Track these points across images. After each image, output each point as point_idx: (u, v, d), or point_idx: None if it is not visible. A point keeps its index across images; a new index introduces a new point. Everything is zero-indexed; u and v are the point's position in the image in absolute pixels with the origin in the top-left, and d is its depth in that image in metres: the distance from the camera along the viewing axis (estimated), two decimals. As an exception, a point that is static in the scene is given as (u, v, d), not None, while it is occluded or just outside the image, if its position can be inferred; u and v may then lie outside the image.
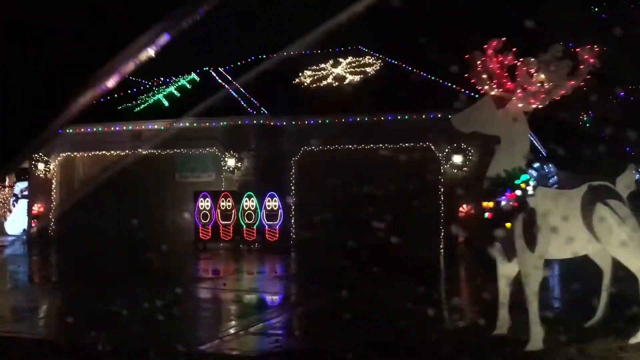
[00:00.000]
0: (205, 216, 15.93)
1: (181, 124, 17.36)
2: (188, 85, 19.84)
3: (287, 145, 16.79)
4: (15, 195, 20.88)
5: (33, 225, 19.18)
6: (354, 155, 16.22)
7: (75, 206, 18.95)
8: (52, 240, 18.96)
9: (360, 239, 15.43)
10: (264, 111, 16.70)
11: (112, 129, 18.24)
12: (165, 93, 19.45)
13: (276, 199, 15.37)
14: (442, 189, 15.34)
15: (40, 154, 19.23)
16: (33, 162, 19.43)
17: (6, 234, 20.93)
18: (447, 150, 15.20)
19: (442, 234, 15.21)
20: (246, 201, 15.57)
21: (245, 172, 16.81)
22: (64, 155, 19.36)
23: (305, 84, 18.85)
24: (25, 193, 20.86)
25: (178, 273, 12.38)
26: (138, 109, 18.63)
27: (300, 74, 19.62)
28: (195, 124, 17.12)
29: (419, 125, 15.37)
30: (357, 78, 18.27)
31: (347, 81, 18.23)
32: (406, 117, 15.23)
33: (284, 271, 13.10)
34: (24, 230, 20.23)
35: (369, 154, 16.14)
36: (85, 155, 19.14)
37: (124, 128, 18.08)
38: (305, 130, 16.62)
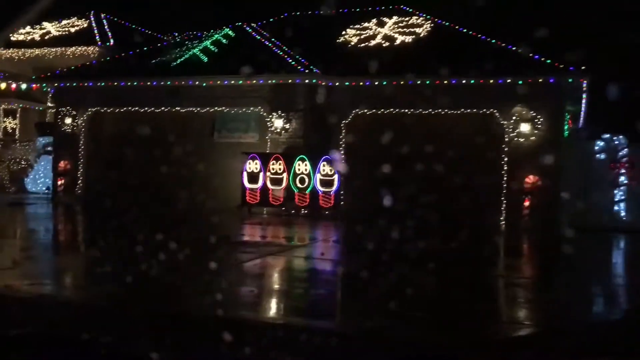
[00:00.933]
0: (253, 179, 15.13)
1: (226, 82, 16.41)
2: (224, 40, 18.76)
3: (337, 107, 15.95)
4: (36, 151, 19.81)
5: (59, 182, 18.21)
6: (410, 120, 15.46)
7: (104, 164, 18.06)
8: (79, 199, 18.07)
9: (414, 208, 14.92)
10: (315, 70, 15.77)
11: (148, 83, 17.18)
12: (200, 48, 18.36)
13: (332, 163, 14.58)
14: (505, 158, 14.67)
15: (68, 107, 18.21)
16: (59, 116, 18.40)
17: (26, 192, 19.96)
18: (514, 118, 14.49)
19: (505, 205, 14.62)
20: (299, 164, 14.77)
21: (293, 133, 15.98)
22: (93, 110, 18.32)
23: (352, 43, 17.92)
24: (49, 149, 19.82)
25: (255, 241, 11.64)
26: (174, 63, 17.55)
27: (343, 33, 18.68)
28: (240, 81, 16.16)
29: (483, 91, 14.61)
30: (408, 39, 17.38)
31: (398, 42, 17.34)
32: (472, 81, 14.42)
33: (358, 241, 12.30)
34: (48, 187, 19.28)
35: (427, 120, 15.40)
36: (117, 111, 18.12)
37: (161, 83, 17.04)
38: (358, 91, 15.78)
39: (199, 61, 17.54)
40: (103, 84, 17.66)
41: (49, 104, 23.80)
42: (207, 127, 17.37)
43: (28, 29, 23.09)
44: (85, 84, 17.86)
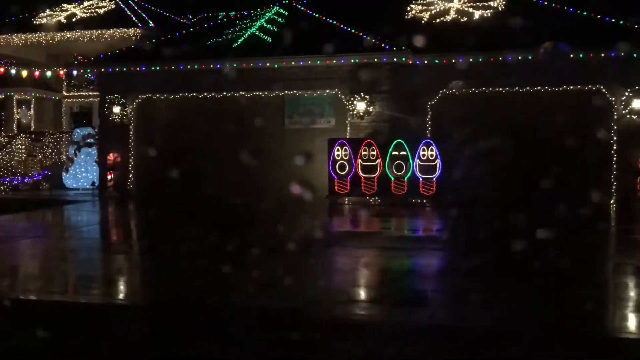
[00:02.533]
0: (342, 167, 13.97)
1: (301, 63, 15.13)
2: (279, 19, 17.41)
3: (423, 88, 14.87)
4: (75, 143, 18.18)
5: (109, 177, 16.69)
6: (505, 98, 14.50)
7: (158, 156, 16.59)
8: (131, 195, 16.62)
9: (513, 193, 14.00)
10: (401, 47, 14.59)
11: (212, 66, 15.75)
12: (256, 27, 16.99)
13: (433, 147, 13.53)
14: (614, 137, 13.85)
15: (116, 94, 16.66)
16: (106, 105, 16.83)
17: (65, 188, 18.34)
18: (626, 94, 13.64)
19: (615, 187, 13.82)
20: (395, 150, 13.67)
21: (377, 117, 14.83)
22: (144, 97, 16.82)
23: (424, 19, 16.78)
24: (89, 141, 18.23)
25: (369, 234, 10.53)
26: (236, 44, 16.15)
27: (407, 9, 17.53)
28: (319, 62, 14.92)
29: (589, 66, 13.70)
30: (486, 13, 16.34)
31: (476, 16, 16.28)
32: (580, 55, 13.48)
33: (475, 231, 11.33)
34: (93, 183, 17.73)
35: (524, 97, 14.45)
36: (172, 97, 16.64)
37: (227, 66, 15.61)
38: (446, 70, 14.70)
39: (261, 41, 16.18)
40: (158, 67, 16.14)
41: (90, 93, 22.01)
42: (274, 112, 16.07)
43: (48, 11, 21.24)
44: (138, 69, 16.31)
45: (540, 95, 14.28)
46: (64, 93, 24.24)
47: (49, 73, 20.14)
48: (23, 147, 19.30)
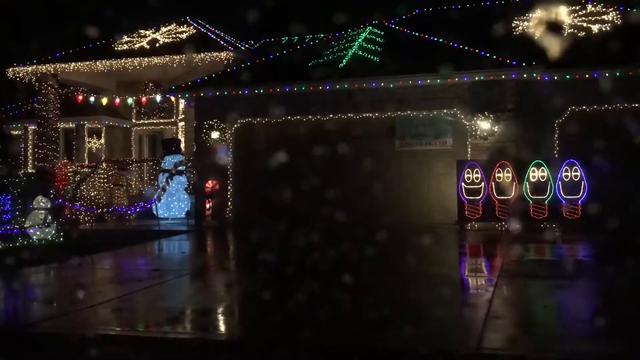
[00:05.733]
0: (473, 190, 13.07)
1: (420, 82, 14.36)
2: (378, 39, 16.74)
3: (549, 105, 14.01)
4: (166, 171, 17.48)
5: (207, 206, 15.92)
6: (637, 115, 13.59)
7: (258, 182, 15.83)
8: (230, 223, 15.81)
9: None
10: (529, 63, 13.78)
11: (320, 87, 15.05)
12: (356, 47, 16.32)
13: (577, 167, 12.60)
14: None
15: (215, 119, 15.99)
16: (204, 130, 16.16)
17: (155, 218, 17.56)
18: None
19: None
20: (533, 170, 12.77)
21: (502, 137, 13.96)
22: (243, 121, 16.12)
23: (537, 35, 16.01)
24: (180, 168, 17.53)
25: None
26: (342, 64, 15.46)
27: (513, 25, 16.80)
28: (439, 80, 14.15)
29: None
30: (605, 27, 15.54)
31: (595, 30, 15.49)
32: None
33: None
34: (188, 212, 16.99)
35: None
36: (273, 121, 15.91)
37: (337, 87, 14.91)
38: (574, 85, 13.87)
39: (367, 61, 15.48)
40: (262, 90, 15.48)
41: (160, 120, 21.56)
42: (384, 134, 15.28)
43: (125, 37, 20.82)
44: (239, 92, 15.64)
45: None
46: (133, 121, 23.76)
47: (158, 98, 19.65)
48: (106, 176, 18.65)
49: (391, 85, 14.59)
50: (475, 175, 13.09)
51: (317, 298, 6.66)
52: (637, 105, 13.61)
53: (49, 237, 11.98)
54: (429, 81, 14.24)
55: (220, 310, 6.62)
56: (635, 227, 12.09)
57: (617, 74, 13.35)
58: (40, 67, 20.28)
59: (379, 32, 17.33)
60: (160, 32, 20.75)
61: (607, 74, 13.41)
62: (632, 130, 13.27)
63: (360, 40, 16.77)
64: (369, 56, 15.71)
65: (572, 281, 7.56)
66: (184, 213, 17.21)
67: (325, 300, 6.52)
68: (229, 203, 16.16)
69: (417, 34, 16.34)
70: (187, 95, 16.49)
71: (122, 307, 6.51)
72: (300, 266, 8.75)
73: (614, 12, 16.20)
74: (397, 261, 9.54)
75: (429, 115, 14.80)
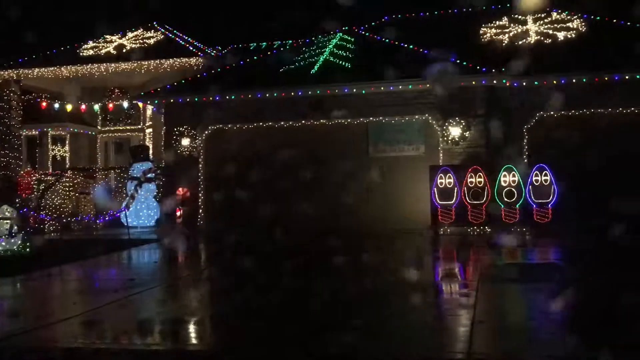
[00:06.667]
0: (446, 195, 13.20)
1: (391, 88, 14.46)
2: (349, 45, 16.80)
3: (518, 111, 14.27)
4: (134, 179, 17.13)
5: (178, 213, 15.67)
6: (605, 120, 13.93)
7: (229, 189, 15.64)
8: (201, 231, 15.59)
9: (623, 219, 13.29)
10: (492, 70, 14.01)
11: (292, 93, 14.99)
12: (327, 53, 16.34)
13: (547, 172, 12.84)
14: None
15: (185, 126, 15.78)
16: (174, 137, 15.93)
17: (124, 227, 17.18)
18: None
19: None
20: (504, 175, 12.96)
21: (473, 142, 14.15)
22: (214, 128, 15.97)
23: (504, 41, 16.31)
24: (150, 176, 17.22)
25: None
26: (313, 70, 15.44)
27: (480, 32, 17.08)
28: (410, 86, 14.26)
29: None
30: (570, 34, 15.91)
31: (561, 38, 15.85)
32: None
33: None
34: (159, 220, 16.69)
35: (625, 119, 13.90)
36: (244, 127, 15.79)
37: (309, 93, 14.88)
38: (542, 92, 14.14)
39: (339, 67, 15.51)
40: (234, 96, 15.36)
41: (127, 127, 21.15)
42: (357, 140, 15.32)
43: (91, 43, 20.42)
44: (210, 98, 15.47)
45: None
46: (99, 127, 23.29)
47: (125, 104, 19.27)
48: (72, 184, 18.20)
49: (363, 92, 14.66)
50: (448, 180, 13.21)
51: (294, 306, 6.60)
52: (602, 110, 13.96)
53: (15, 247, 11.57)
54: (400, 87, 14.35)
55: (193, 320, 6.48)
56: (604, 229, 12.39)
57: (584, 79, 13.68)
58: (1, 72, 19.72)
59: (349, 38, 17.41)
60: (127, 37, 20.42)
61: (574, 80, 13.73)
62: (599, 135, 13.63)
63: (331, 46, 16.81)
64: (341, 62, 15.75)
65: (544, 284, 7.65)
66: (153, 221, 16.88)
67: (303, 309, 6.45)
68: (201, 210, 15.97)
69: (387, 40, 16.47)
70: (156, 102, 16.26)
71: (96, 320, 6.30)
72: (273, 274, 8.67)
73: (578, 20, 16.64)
74: (370, 267, 9.53)
75: (401, 121, 14.90)
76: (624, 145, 13.54)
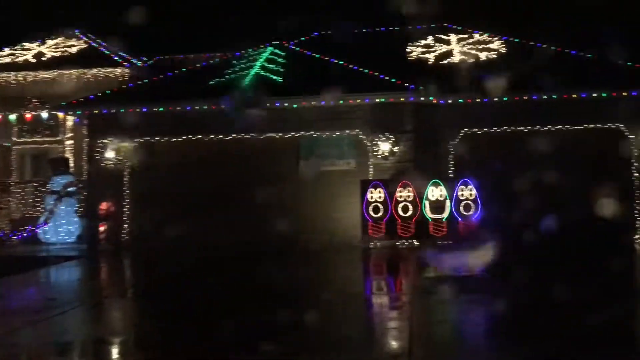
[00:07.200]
0: (376, 209, 13.37)
1: (322, 102, 14.53)
2: (280, 59, 16.83)
3: (444, 127, 14.71)
4: (54, 192, 16.32)
5: (101, 229, 15.04)
6: (526, 137, 14.57)
7: (156, 204, 15.20)
8: (126, 247, 15.03)
9: (540, 231, 13.97)
10: (420, 87, 14.37)
11: (222, 106, 14.72)
12: (258, 67, 16.28)
13: (471, 186, 13.27)
14: (636, 175, 14.23)
15: (110, 139, 15.22)
16: (97, 149, 15.32)
17: (42, 243, 16.33)
18: (646, 132, 14.13)
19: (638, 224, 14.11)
20: (432, 190, 13.29)
21: (402, 157, 14.43)
22: (141, 140, 15.47)
23: (430, 60, 16.83)
24: (70, 190, 16.45)
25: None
26: (244, 84, 15.30)
27: (408, 50, 17.56)
28: (341, 101, 14.40)
29: (607, 105, 14.12)
30: (491, 55, 16.63)
31: (483, 58, 16.52)
32: (603, 94, 13.88)
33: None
34: (80, 236, 15.94)
35: (545, 136, 14.60)
36: (172, 140, 15.40)
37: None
38: (467, 109, 14.66)
39: (270, 81, 15.46)
40: (162, 108, 14.97)
41: (45, 138, 20.06)
42: (288, 155, 15.25)
43: (7, 50, 19.40)
44: (137, 110, 15.00)
45: (561, 134, 14.47)
46: (14, 139, 22.06)
47: (44, 114, 18.30)
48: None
49: (294, 106, 14.67)
50: (378, 195, 13.40)
51: (222, 323, 6.46)
52: (522, 128, 14.60)
53: None
54: (332, 102, 14.45)
55: (117, 340, 6.21)
56: (533, 239, 12.92)
57: (505, 98, 14.28)
58: None
59: (280, 52, 17.42)
60: (46, 45, 19.54)
61: (495, 99, 14.31)
62: (518, 150, 14.26)
63: (262, 60, 16.76)
64: (272, 76, 15.71)
65: (471, 295, 7.86)
66: (74, 237, 16.12)
67: (234, 326, 6.31)
68: (126, 226, 15.39)
69: (317, 55, 16.62)
70: (79, 112, 15.60)
71: (10, 343, 5.91)
72: (197, 291, 8.48)
73: (498, 41, 17.43)
74: (302, 282, 9.49)
75: (332, 135, 15.00)
76: (538, 159, 14.22)
